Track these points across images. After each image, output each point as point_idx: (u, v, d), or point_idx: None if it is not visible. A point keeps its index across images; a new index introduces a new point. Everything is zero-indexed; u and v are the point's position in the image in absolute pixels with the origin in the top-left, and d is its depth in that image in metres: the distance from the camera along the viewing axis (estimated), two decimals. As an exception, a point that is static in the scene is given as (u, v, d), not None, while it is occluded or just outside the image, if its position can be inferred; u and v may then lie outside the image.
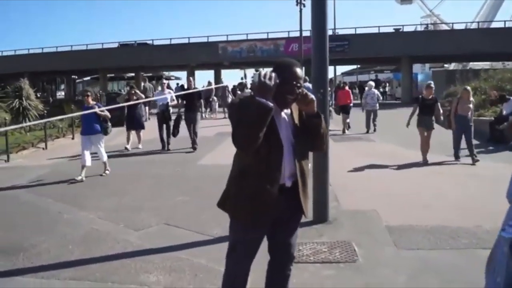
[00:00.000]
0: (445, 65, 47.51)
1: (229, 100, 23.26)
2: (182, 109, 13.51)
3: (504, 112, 14.72)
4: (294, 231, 3.10)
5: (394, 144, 14.02)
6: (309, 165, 3.09)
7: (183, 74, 44.96)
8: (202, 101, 13.87)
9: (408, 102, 35.07)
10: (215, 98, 25.87)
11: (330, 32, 28.98)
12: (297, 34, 35.00)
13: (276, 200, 2.80)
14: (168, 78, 49.20)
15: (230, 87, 26.33)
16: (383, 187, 8.56)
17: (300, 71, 2.79)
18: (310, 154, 3.19)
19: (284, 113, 2.87)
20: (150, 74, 45.30)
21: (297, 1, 32.14)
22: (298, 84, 2.75)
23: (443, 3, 48.54)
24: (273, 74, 2.62)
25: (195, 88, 13.72)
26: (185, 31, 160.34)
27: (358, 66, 57.27)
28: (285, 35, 38.27)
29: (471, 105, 11.24)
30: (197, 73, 43.48)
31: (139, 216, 6.78)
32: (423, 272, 4.54)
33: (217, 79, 42.86)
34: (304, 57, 30.19)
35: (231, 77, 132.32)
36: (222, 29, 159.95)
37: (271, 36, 38.47)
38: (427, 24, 44.15)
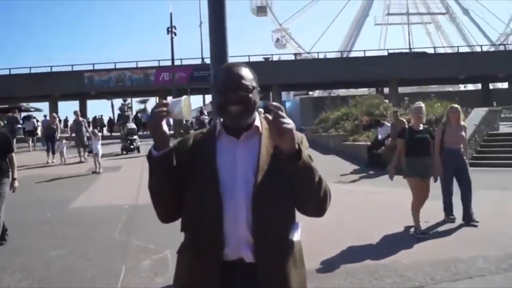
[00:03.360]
0: (310, 93, 49.68)
1: (86, 136, 17.70)
2: None
3: (380, 137, 15.23)
4: None
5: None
6: (295, 233, 1.96)
7: (45, 106, 41.76)
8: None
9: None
10: (60, 137, 19.27)
11: (199, 61, 28.34)
12: (168, 63, 34.37)
13: (217, 283, 1.89)
14: (27, 110, 45.52)
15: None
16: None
17: (242, 71, 1.95)
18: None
19: (245, 141, 1.97)
20: (7, 106, 41.47)
21: (168, 30, 31.46)
22: (239, 86, 1.90)
23: (295, 20, 50.83)
24: (165, 101, 1.91)
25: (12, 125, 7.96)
26: (47, 60, 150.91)
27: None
28: (155, 64, 37.35)
29: (463, 132, 7.81)
30: (61, 104, 40.73)
31: (2, 281, 5.43)
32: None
33: (83, 110, 40.48)
34: (177, 87, 29.58)
35: (98, 108, 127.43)
36: (88, 58, 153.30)
37: (140, 65, 37.32)
38: (293, 54, 45.90)
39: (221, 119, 2.00)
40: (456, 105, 8.03)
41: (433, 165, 7.38)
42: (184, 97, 1.95)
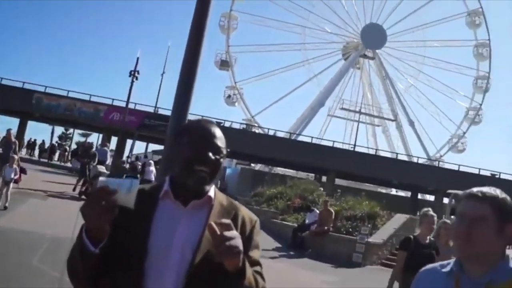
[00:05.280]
0: (252, 165, 50.53)
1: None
2: None
3: (307, 221, 15.92)
4: None
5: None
6: None
7: (-17, 116, 40.39)
8: None
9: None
10: None
11: (151, 110, 28.24)
12: (121, 103, 34.56)
13: None
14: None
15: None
16: None
17: (218, 133, 1.79)
18: None
19: (192, 211, 1.74)
20: None
21: (130, 72, 31.83)
22: (215, 146, 1.75)
23: (251, 84, 52.37)
24: (110, 187, 1.52)
25: None
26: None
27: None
28: (108, 101, 37.08)
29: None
30: (1, 117, 39.51)
31: None
32: None
33: (22, 130, 39.23)
34: (126, 129, 29.58)
35: (37, 131, 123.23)
36: (41, 75, 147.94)
37: (93, 99, 36.95)
38: (245, 124, 47.05)
39: (169, 178, 1.79)
40: (449, 221, 6.80)
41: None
42: (137, 181, 1.65)
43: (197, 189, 1.72)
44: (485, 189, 1.75)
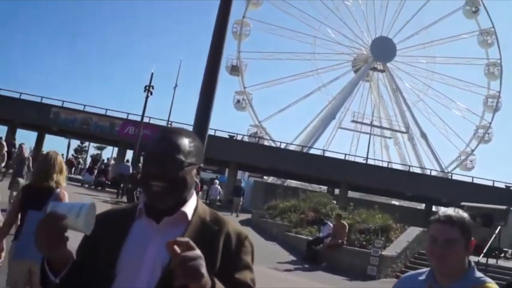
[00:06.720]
0: (265, 177, 50.77)
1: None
2: None
3: (321, 234, 16.19)
4: None
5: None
6: None
7: (2, 129, 41.18)
8: None
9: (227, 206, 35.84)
10: None
11: (164, 123, 28.65)
12: (135, 117, 35.18)
13: None
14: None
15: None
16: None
17: (178, 141, 1.64)
18: None
19: (166, 229, 1.63)
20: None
21: (145, 88, 32.41)
22: (166, 158, 1.60)
23: (261, 90, 52.67)
24: (59, 212, 1.48)
25: None
26: (16, 86, 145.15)
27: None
28: (123, 115, 37.86)
29: None
30: (20, 131, 40.27)
31: None
32: None
33: (40, 143, 40.19)
34: (140, 143, 30.11)
35: (53, 144, 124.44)
36: (57, 91, 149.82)
37: (109, 113, 37.76)
38: (257, 137, 47.42)
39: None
40: None
41: None
42: (88, 204, 1.51)
43: (156, 206, 1.62)
44: (452, 213, 2.05)
